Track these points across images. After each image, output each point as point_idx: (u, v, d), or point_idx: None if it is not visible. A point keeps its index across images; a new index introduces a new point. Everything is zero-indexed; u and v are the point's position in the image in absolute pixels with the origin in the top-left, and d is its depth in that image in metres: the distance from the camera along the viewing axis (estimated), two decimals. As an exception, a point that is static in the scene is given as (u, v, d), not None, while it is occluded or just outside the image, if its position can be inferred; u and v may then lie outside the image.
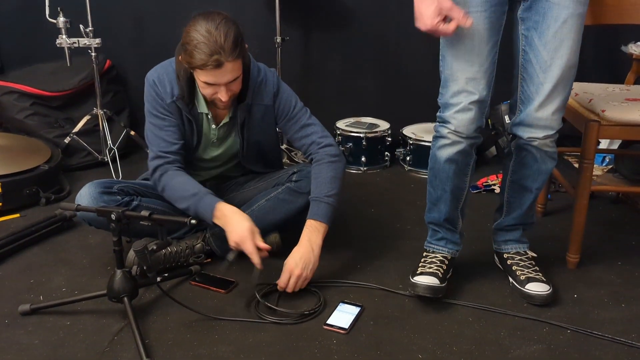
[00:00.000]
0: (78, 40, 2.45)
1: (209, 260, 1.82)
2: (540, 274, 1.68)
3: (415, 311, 1.59)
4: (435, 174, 1.64)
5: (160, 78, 1.72)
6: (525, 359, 1.39)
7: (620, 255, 1.90)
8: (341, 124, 2.78)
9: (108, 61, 2.89)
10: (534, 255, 1.79)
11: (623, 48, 2.46)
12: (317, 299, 1.62)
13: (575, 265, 1.82)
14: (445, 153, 1.57)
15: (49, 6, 2.42)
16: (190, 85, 1.70)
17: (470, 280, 1.75)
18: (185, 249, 1.78)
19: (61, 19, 2.42)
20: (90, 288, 1.66)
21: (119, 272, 1.49)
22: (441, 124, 1.57)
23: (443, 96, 1.55)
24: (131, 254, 1.70)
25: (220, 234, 1.78)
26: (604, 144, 2.58)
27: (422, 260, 1.72)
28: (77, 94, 2.77)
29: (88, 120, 2.66)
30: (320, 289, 1.67)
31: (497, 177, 2.45)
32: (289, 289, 1.63)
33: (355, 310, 1.58)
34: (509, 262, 1.75)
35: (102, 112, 2.62)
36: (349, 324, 1.51)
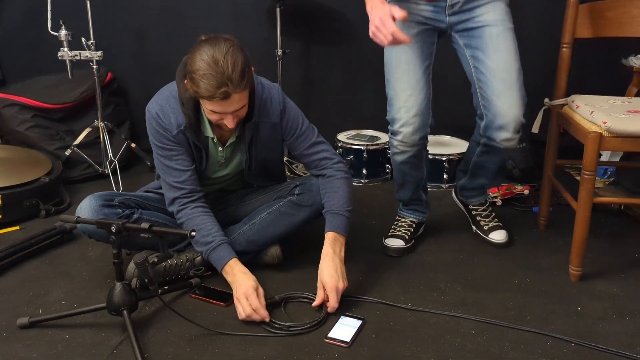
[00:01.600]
0: (80, 53, 2.46)
1: (210, 273, 1.81)
2: (499, 222, 2.10)
3: (417, 324, 1.57)
4: (395, 169, 1.98)
5: (162, 109, 1.68)
6: (529, 373, 1.37)
7: (623, 268, 1.88)
8: (342, 137, 2.78)
9: (109, 74, 2.90)
10: (491, 200, 2.26)
11: (623, 61, 2.46)
12: (319, 310, 1.61)
13: (577, 278, 1.80)
14: (399, 158, 1.90)
15: (51, 19, 2.44)
16: (196, 111, 1.66)
17: (472, 292, 1.74)
18: (186, 262, 1.77)
19: (63, 32, 2.43)
20: (90, 301, 1.65)
21: (118, 285, 1.48)
22: (391, 136, 1.88)
23: (389, 113, 1.86)
24: (131, 267, 1.68)
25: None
26: (604, 156, 2.58)
27: (394, 224, 2.09)
28: (78, 106, 2.78)
29: (89, 132, 2.67)
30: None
31: (498, 189, 2.43)
32: (336, 304, 1.60)
33: (356, 323, 1.56)
34: (473, 212, 2.15)
35: (103, 124, 2.62)
36: (350, 338, 1.49)
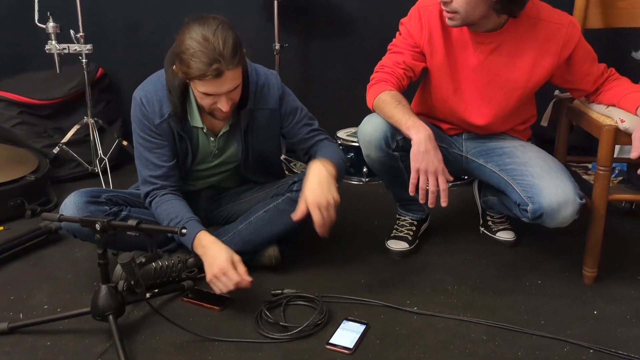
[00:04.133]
0: (68, 46, 2.36)
1: (203, 275, 1.70)
2: (509, 225, 2.01)
3: (424, 329, 1.48)
4: (374, 171, 1.85)
5: (148, 97, 1.60)
6: (547, 381, 1.28)
7: (638, 270, 1.79)
8: (342, 134, 2.69)
9: (100, 69, 2.80)
10: None
11: (633, 54, 2.38)
12: (320, 312, 1.51)
13: (592, 280, 1.71)
14: (367, 161, 1.77)
15: (38, 11, 2.33)
16: (183, 99, 1.59)
17: (482, 295, 1.64)
18: (177, 263, 1.67)
19: (51, 24, 2.33)
20: (74, 305, 1.54)
21: (104, 288, 1.38)
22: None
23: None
24: (118, 268, 1.58)
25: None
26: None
27: (395, 223, 1.99)
28: (67, 102, 2.68)
29: (78, 129, 2.56)
30: (322, 304, 1.55)
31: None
32: (322, 227, 1.51)
33: (360, 328, 1.46)
34: (487, 216, 2.06)
35: (92, 121, 2.52)
36: (353, 344, 1.39)
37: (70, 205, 1.57)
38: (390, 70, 1.69)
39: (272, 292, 1.60)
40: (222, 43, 1.40)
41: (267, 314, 1.50)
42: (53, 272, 1.77)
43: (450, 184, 2.51)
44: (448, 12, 1.56)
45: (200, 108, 1.62)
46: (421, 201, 1.55)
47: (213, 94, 1.48)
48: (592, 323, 1.51)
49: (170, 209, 1.61)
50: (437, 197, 1.53)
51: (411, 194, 1.56)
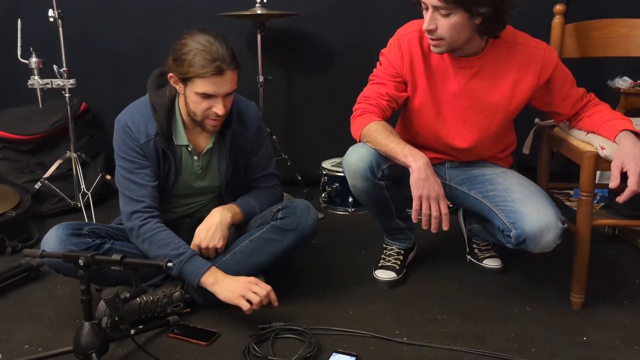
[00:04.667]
0: (51, 81, 2.36)
1: (189, 310, 1.68)
2: (495, 252, 2.02)
3: (414, 360, 1.46)
4: (361, 201, 1.83)
5: (133, 119, 1.64)
6: (540, 410, 1.26)
7: (625, 294, 1.80)
8: (327, 164, 2.70)
9: (84, 104, 2.80)
10: None
11: (609, 83, 2.44)
12: (309, 344, 1.48)
13: (580, 306, 1.71)
14: (357, 194, 1.78)
15: (21, 46, 2.33)
16: (169, 118, 1.63)
17: (471, 324, 1.63)
18: (163, 298, 1.63)
19: (33, 59, 2.32)
20: (56, 344, 1.49)
21: (87, 325, 1.34)
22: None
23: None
24: (102, 305, 1.54)
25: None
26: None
27: (382, 253, 1.99)
28: (49, 137, 2.66)
29: (60, 164, 2.54)
30: (311, 337, 1.53)
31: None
32: (211, 251, 1.66)
33: (349, 360, 1.44)
34: (473, 244, 2.07)
35: (75, 155, 2.49)
36: (343, 377, 1.37)
37: (53, 238, 1.54)
38: (374, 102, 1.71)
39: (260, 326, 1.57)
40: (224, 46, 1.52)
41: (255, 348, 1.47)
42: (34, 310, 1.72)
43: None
44: (433, 39, 1.59)
45: (185, 126, 1.67)
46: (424, 227, 1.56)
47: (212, 94, 1.54)
48: (582, 349, 1.50)
49: (170, 239, 1.60)
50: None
51: (414, 221, 1.58)
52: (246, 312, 1.51)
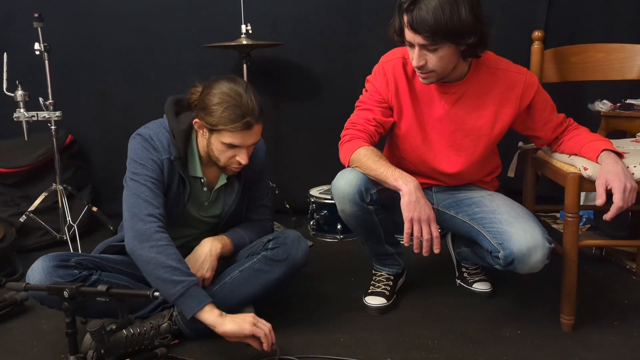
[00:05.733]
0: (37, 114, 2.36)
1: (177, 341, 1.64)
2: (484, 276, 2.03)
3: (407, 387, 1.44)
4: (350, 226, 1.83)
5: (157, 134, 1.63)
6: None
7: (615, 316, 1.80)
8: (315, 192, 2.71)
9: (70, 136, 2.79)
10: None
11: (590, 106, 2.50)
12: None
13: (570, 328, 1.71)
14: (345, 219, 1.78)
15: (6, 80, 2.34)
16: (185, 146, 1.64)
17: (462, 348, 1.62)
18: (150, 330, 1.60)
19: (19, 92, 2.33)
20: (40, 380, 1.46)
21: (72, 359, 1.31)
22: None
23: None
24: (87, 337, 1.51)
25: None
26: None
27: (372, 279, 1.99)
28: (35, 170, 2.64)
29: (46, 197, 2.52)
30: (301, 367, 1.51)
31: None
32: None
33: (341, 389, 1.42)
34: (462, 268, 2.07)
35: (61, 188, 2.48)
36: (335, 406, 1.34)
37: (38, 270, 1.52)
38: (362, 127, 1.73)
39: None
40: (253, 99, 1.53)
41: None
42: (17, 347, 1.68)
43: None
44: (423, 73, 1.62)
45: (201, 160, 1.67)
46: (416, 250, 1.56)
47: (238, 146, 1.55)
48: (575, 371, 1.50)
49: (178, 265, 1.51)
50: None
51: (406, 244, 1.57)
52: (257, 347, 1.49)
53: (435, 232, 1.54)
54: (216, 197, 1.75)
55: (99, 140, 2.94)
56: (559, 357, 1.56)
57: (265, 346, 1.47)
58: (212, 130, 1.56)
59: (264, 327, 1.48)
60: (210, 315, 1.47)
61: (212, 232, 1.81)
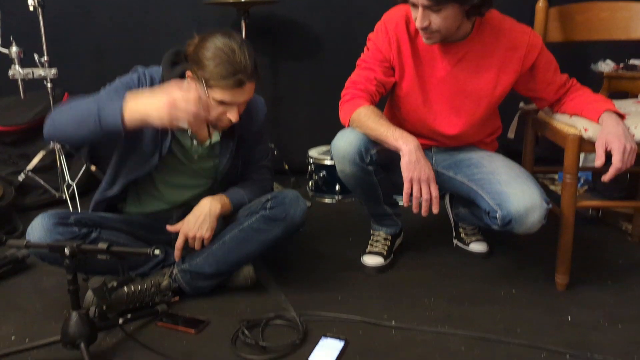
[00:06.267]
0: (32, 71, 2.32)
1: (177, 298, 1.67)
2: (481, 237, 2.04)
3: (403, 344, 1.47)
4: (349, 186, 1.83)
5: (151, 74, 1.62)
6: (526, 389, 1.28)
7: (609, 275, 1.83)
8: (314, 153, 2.70)
9: (66, 94, 2.75)
10: None
11: (593, 66, 2.47)
12: (297, 332, 1.49)
13: (564, 287, 1.74)
14: (345, 179, 1.78)
15: (0, 35, 2.29)
16: None
17: (458, 307, 1.65)
18: (151, 287, 1.63)
19: (14, 49, 2.29)
20: (44, 335, 1.48)
21: (74, 315, 1.33)
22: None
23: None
24: (89, 294, 1.54)
25: (189, 269, 1.66)
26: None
27: (370, 239, 2.00)
28: (32, 128, 2.61)
29: (44, 156, 2.51)
30: (300, 323, 1.54)
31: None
32: (178, 251, 1.65)
33: (338, 345, 1.44)
34: (460, 228, 2.08)
35: (59, 147, 2.46)
36: (333, 361, 1.38)
37: (38, 227, 1.52)
38: (362, 87, 1.70)
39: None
40: (247, 56, 1.48)
41: (246, 333, 1.47)
42: (20, 302, 1.70)
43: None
44: (427, 33, 1.58)
45: None
46: (415, 210, 1.56)
47: (229, 103, 1.52)
48: (567, 329, 1.52)
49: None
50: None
51: (405, 204, 1.57)
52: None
53: (435, 192, 1.55)
54: (208, 153, 1.73)
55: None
56: (552, 315, 1.59)
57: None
58: (205, 85, 1.52)
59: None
60: (134, 99, 1.39)
61: (210, 191, 1.81)
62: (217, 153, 1.73)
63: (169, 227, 1.67)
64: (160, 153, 1.64)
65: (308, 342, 1.46)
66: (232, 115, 1.55)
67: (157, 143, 1.63)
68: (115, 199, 1.74)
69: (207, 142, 1.69)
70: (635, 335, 1.49)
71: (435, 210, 1.54)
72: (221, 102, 1.52)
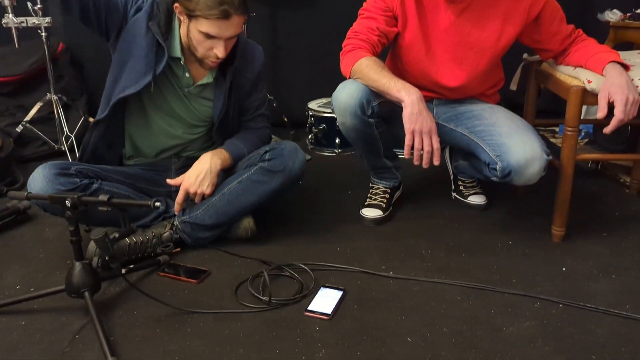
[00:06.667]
0: (26, 20, 2.27)
1: (179, 249, 1.70)
2: (480, 189, 2.05)
3: (400, 293, 1.50)
4: (349, 139, 1.82)
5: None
6: (519, 336, 1.32)
7: (605, 227, 1.85)
8: (313, 105, 2.68)
9: (61, 44, 2.71)
10: None
11: (599, 16, 2.41)
12: (299, 284, 1.52)
13: (560, 239, 1.76)
14: (345, 132, 1.77)
15: (-8, -17, 2.23)
16: (167, 23, 1.59)
17: (455, 258, 1.67)
18: (152, 239, 1.65)
19: (6, -4, 2.23)
20: (48, 284, 1.51)
21: (77, 265, 1.36)
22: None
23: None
24: (92, 245, 1.56)
25: (189, 221, 1.68)
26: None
27: (369, 192, 2.01)
28: (28, 79, 2.59)
29: (41, 107, 2.49)
30: (299, 273, 1.57)
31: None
32: (179, 205, 1.67)
33: (337, 294, 1.48)
34: (459, 181, 2.09)
35: (56, 98, 2.44)
36: (331, 309, 1.41)
37: (39, 177, 1.53)
38: (364, 37, 1.67)
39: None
40: None
41: (247, 283, 1.50)
42: (24, 253, 1.73)
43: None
44: None
45: (182, 48, 1.62)
46: (416, 162, 1.57)
47: (215, 37, 1.50)
48: (561, 279, 1.55)
49: None
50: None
51: (406, 156, 1.57)
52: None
53: (436, 144, 1.54)
54: (200, 93, 1.72)
55: (91, 49, 2.86)
56: (547, 266, 1.62)
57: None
58: (190, 17, 1.51)
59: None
60: None
61: (207, 138, 1.82)
62: (211, 97, 1.72)
63: (170, 181, 1.67)
64: (154, 73, 1.60)
65: (308, 292, 1.49)
66: (219, 51, 1.53)
67: (151, 64, 1.60)
68: (112, 135, 1.71)
69: (201, 82, 1.68)
70: (628, 285, 1.52)
71: (436, 162, 1.54)
72: (207, 35, 1.50)
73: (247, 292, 1.49)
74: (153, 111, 1.71)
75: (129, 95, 1.61)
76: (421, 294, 1.49)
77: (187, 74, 1.66)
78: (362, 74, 1.63)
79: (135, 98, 1.66)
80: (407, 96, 1.53)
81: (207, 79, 1.68)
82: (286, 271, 1.58)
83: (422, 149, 1.55)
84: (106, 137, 1.70)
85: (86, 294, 1.35)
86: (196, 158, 1.72)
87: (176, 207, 1.67)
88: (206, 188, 1.65)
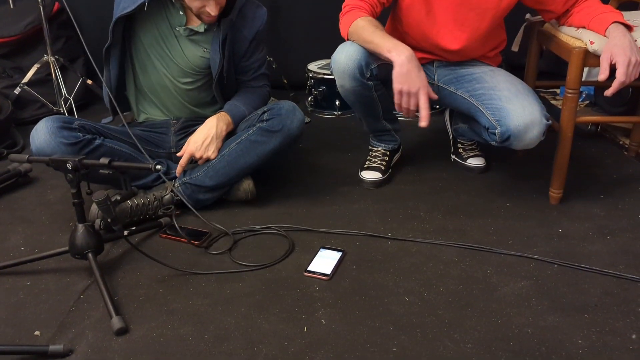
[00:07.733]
0: (20, -21, 2.23)
1: (180, 211, 1.72)
2: (479, 151, 2.05)
3: (398, 254, 1.53)
4: (348, 102, 1.82)
5: None
6: (514, 295, 1.35)
7: (602, 189, 1.86)
8: (313, 67, 2.65)
9: (57, 4, 2.66)
10: None
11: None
12: (289, 243, 1.55)
13: (558, 201, 1.78)
14: (344, 94, 1.76)
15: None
16: None
17: (453, 219, 1.69)
18: (154, 201, 1.67)
19: (-1, -45, 2.18)
20: (51, 246, 1.53)
21: (80, 227, 1.38)
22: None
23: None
24: (94, 207, 1.58)
25: (190, 182, 1.69)
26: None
27: (368, 154, 2.01)
28: (24, 40, 2.56)
29: (39, 69, 2.47)
30: (299, 234, 1.59)
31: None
32: (181, 168, 1.69)
33: (336, 255, 1.50)
34: (458, 144, 2.09)
35: (53, 59, 2.42)
36: (330, 270, 1.44)
37: (43, 130, 1.53)
38: None
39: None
40: None
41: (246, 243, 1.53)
42: (26, 215, 1.75)
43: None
44: None
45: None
46: (405, 116, 1.59)
47: None
48: (557, 240, 1.58)
49: None
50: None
51: (398, 110, 1.58)
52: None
53: (423, 104, 1.52)
54: (191, 36, 1.71)
55: (88, 9, 2.81)
56: (544, 228, 1.64)
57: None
58: None
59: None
60: None
61: (207, 93, 1.83)
62: (204, 47, 1.72)
63: (179, 154, 1.70)
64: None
65: (308, 253, 1.52)
66: (210, 9, 1.55)
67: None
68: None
69: (195, 27, 1.69)
70: (622, 246, 1.54)
71: (422, 123, 1.51)
72: None
73: (243, 253, 1.51)
74: (149, 49, 1.72)
75: (126, 16, 1.63)
76: (419, 255, 1.52)
77: (181, 12, 1.67)
78: (357, 35, 1.62)
79: (135, 32, 1.69)
80: (397, 56, 1.52)
81: (199, 27, 1.69)
82: (286, 232, 1.60)
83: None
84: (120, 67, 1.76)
85: (90, 255, 1.37)
86: (193, 121, 1.71)
87: (178, 170, 1.68)
88: (212, 153, 1.67)
